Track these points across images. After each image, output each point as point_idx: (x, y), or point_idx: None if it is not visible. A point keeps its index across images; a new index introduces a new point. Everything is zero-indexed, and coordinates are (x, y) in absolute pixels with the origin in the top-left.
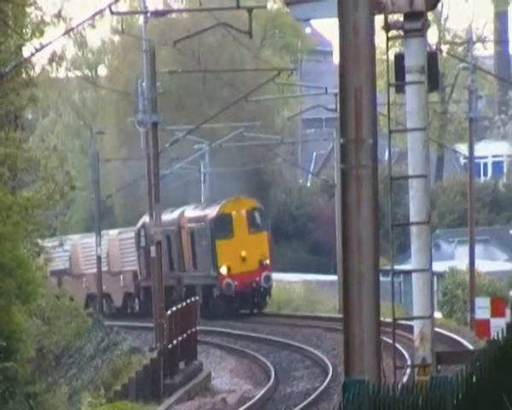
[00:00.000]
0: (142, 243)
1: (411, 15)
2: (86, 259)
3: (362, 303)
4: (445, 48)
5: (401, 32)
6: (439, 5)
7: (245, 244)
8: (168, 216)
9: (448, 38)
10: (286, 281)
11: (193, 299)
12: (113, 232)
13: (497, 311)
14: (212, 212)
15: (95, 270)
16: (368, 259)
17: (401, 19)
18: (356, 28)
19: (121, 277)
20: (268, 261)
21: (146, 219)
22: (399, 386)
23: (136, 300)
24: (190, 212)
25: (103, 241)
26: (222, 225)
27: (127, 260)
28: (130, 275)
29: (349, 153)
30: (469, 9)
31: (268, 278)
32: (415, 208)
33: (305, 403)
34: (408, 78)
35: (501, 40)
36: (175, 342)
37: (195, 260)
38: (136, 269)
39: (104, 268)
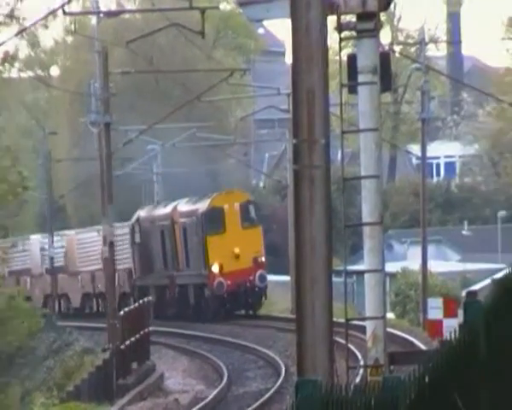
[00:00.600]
0: (137, 240)
1: (364, 16)
2: (82, 256)
3: (314, 304)
4: (397, 48)
5: (354, 33)
6: (392, 6)
7: (238, 240)
8: (161, 210)
9: (401, 38)
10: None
11: (146, 299)
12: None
13: (449, 311)
14: (203, 205)
15: (92, 267)
16: (320, 259)
17: (354, 19)
18: (308, 29)
19: (116, 275)
20: (263, 259)
21: (141, 213)
22: (352, 386)
23: (132, 300)
24: (183, 205)
25: (97, 237)
26: (213, 220)
27: (122, 257)
28: (125, 274)
29: (302, 153)
30: (422, 10)
31: (263, 277)
32: (367, 209)
33: (257, 404)
34: (360, 78)
35: (453, 41)
36: (128, 342)
37: (188, 258)
38: (131, 267)
39: (98, 266)
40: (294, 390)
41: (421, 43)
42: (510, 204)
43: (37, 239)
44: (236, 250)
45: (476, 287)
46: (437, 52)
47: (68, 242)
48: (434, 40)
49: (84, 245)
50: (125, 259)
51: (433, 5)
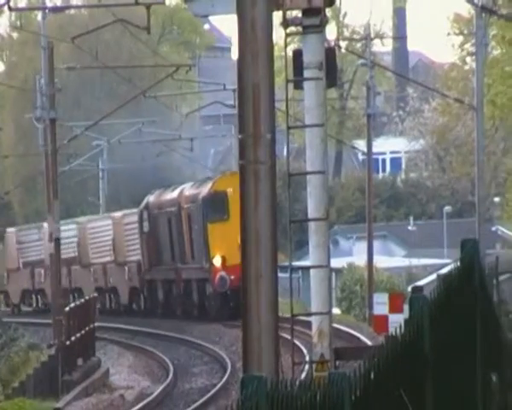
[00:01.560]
0: (145, 228)
1: (309, 12)
2: (94, 246)
3: (260, 299)
4: (343, 44)
5: (299, 29)
6: (338, 1)
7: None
8: (169, 195)
9: (346, 34)
10: None
11: (91, 295)
12: (117, 215)
13: (394, 307)
14: (204, 189)
15: (104, 259)
16: (266, 255)
17: (299, 15)
18: (254, 24)
19: (126, 268)
20: None
21: (150, 198)
22: (297, 382)
23: (142, 296)
24: (189, 189)
25: (108, 225)
26: (215, 206)
27: (131, 248)
28: (135, 267)
29: (247, 149)
30: (367, 6)
31: None
32: (313, 205)
33: (203, 399)
34: (306, 74)
35: (399, 36)
36: (73, 338)
37: (193, 249)
38: (140, 259)
39: (109, 258)
40: (240, 386)
41: (367, 38)
42: (456, 199)
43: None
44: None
45: (422, 282)
46: (382, 47)
47: (80, 230)
48: (380, 36)
49: (95, 234)
50: (135, 250)
51: (378, 1)
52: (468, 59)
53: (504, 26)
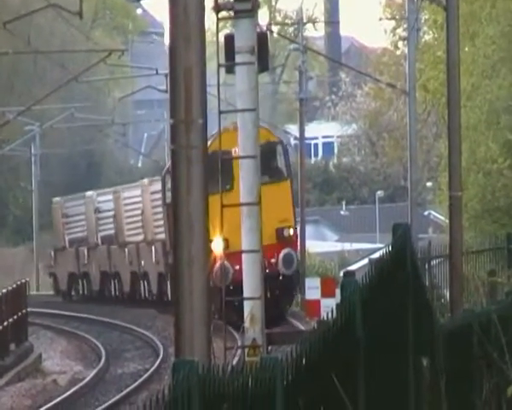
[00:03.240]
0: (168, 199)
1: None
2: (128, 221)
3: (192, 284)
4: (275, 29)
5: (231, 13)
6: None
7: None
8: None
9: (279, 18)
10: None
11: (23, 280)
12: (145, 181)
13: (327, 291)
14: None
15: (137, 238)
16: (198, 240)
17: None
18: (186, 8)
19: (153, 249)
20: (292, 231)
21: None
22: (229, 367)
23: (167, 284)
24: None
25: (138, 195)
26: (214, 171)
27: (158, 224)
28: (161, 247)
29: (179, 133)
30: None
31: (289, 260)
32: (245, 189)
33: (136, 384)
34: (238, 59)
35: (331, 21)
36: (5, 323)
37: None
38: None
39: (140, 237)
40: (172, 371)
41: (299, 23)
42: (388, 184)
43: (91, 197)
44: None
45: (354, 267)
46: (315, 32)
47: (116, 201)
48: (312, 20)
49: (128, 206)
50: (161, 226)
51: None
52: (400, 44)
53: (436, 11)
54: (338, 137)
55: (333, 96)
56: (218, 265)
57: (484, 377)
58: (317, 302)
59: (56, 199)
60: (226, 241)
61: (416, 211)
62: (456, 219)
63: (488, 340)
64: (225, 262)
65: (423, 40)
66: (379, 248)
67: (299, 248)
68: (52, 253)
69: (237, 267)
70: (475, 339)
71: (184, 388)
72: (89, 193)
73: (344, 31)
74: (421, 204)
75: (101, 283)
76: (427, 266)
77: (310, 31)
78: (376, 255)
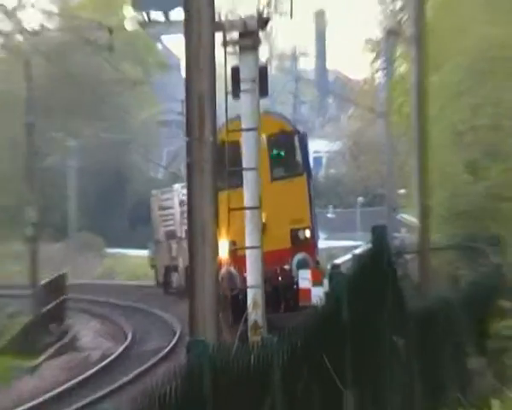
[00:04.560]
0: None
1: (245, 34)
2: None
3: (204, 277)
4: (273, 61)
5: (237, 48)
6: (269, 26)
7: (265, 200)
8: None
9: (277, 53)
10: (136, 257)
11: (61, 273)
12: (176, 187)
13: (316, 281)
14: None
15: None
16: (209, 240)
17: (237, 36)
18: (199, 43)
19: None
20: (308, 233)
21: None
22: (235, 346)
23: None
24: None
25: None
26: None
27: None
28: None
29: (193, 149)
30: (294, 30)
31: (304, 263)
32: (248, 196)
33: (156, 359)
34: (243, 86)
35: (319, 56)
36: (48, 307)
37: None
38: None
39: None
40: (186, 349)
41: (294, 57)
42: (367, 192)
43: (177, 190)
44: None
45: (339, 260)
46: (307, 65)
47: (174, 197)
48: (305, 55)
49: (184, 202)
50: None
51: (303, 26)
52: (378, 74)
53: (407, 46)
54: (326, 152)
55: (321, 118)
56: (223, 270)
57: (447, 352)
58: (309, 291)
59: (154, 191)
60: (233, 244)
61: (391, 214)
62: (425, 220)
63: (451, 321)
64: (232, 269)
65: (398, 71)
66: (360, 245)
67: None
68: (153, 245)
69: (246, 274)
70: (440, 320)
71: (198, 364)
72: (176, 185)
73: (330, 65)
74: (395, 208)
75: (185, 278)
76: (400, 260)
77: (303, 63)
78: (358, 251)
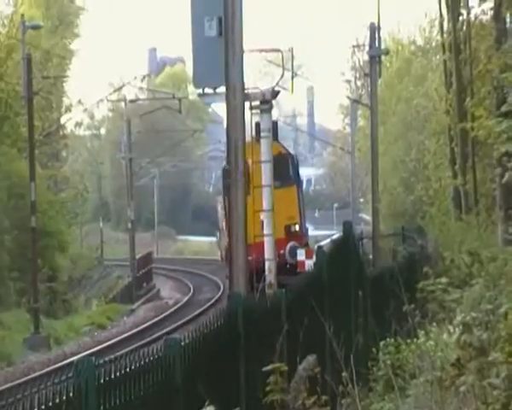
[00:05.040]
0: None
1: (264, 102)
2: None
3: (238, 253)
4: (281, 118)
5: (258, 111)
6: (278, 96)
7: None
8: None
9: (283, 113)
10: (196, 241)
11: (149, 251)
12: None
13: (309, 256)
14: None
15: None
16: (241, 233)
17: (258, 103)
18: (235, 109)
19: None
20: (297, 227)
21: None
22: (258, 296)
23: None
24: None
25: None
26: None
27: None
28: None
29: (231, 173)
30: (294, 98)
31: (294, 251)
32: (265, 202)
33: (208, 304)
34: (262, 134)
35: (310, 114)
36: (141, 272)
37: None
38: None
39: None
40: (228, 299)
41: (294, 115)
42: (340, 200)
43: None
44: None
45: (322, 243)
46: (302, 120)
47: None
48: (300, 114)
49: None
50: None
51: (299, 96)
52: (347, 127)
53: (365, 109)
54: (314, 175)
55: (310, 154)
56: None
57: (390, 301)
58: (304, 262)
59: (217, 196)
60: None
61: (355, 214)
62: (376, 217)
63: (393, 281)
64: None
65: (359, 124)
66: (335, 233)
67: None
68: (217, 233)
69: (254, 256)
70: (386, 280)
71: (235, 307)
72: (219, 196)
73: (317, 120)
74: (357, 210)
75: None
76: (360, 242)
77: (299, 119)
78: (334, 237)
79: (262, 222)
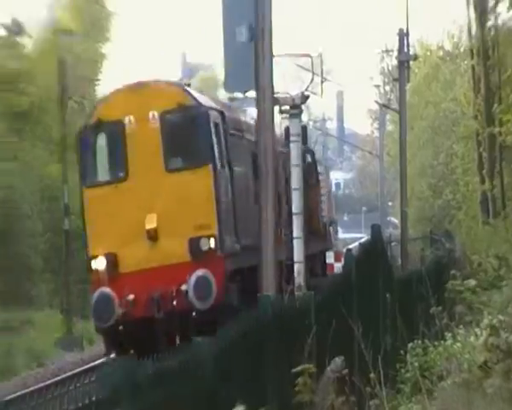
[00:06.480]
0: None
1: (293, 107)
2: None
3: (267, 257)
4: (310, 122)
5: (287, 115)
6: (308, 100)
7: (156, 198)
8: None
9: (312, 117)
10: None
11: None
12: None
13: (337, 259)
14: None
15: None
16: (271, 232)
17: (288, 107)
18: (265, 113)
19: None
20: (213, 243)
21: None
22: (287, 298)
23: None
24: None
25: None
26: (99, 153)
27: None
28: None
29: (264, 175)
30: (324, 102)
31: (207, 287)
32: (295, 204)
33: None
34: (291, 138)
35: (339, 118)
36: None
37: None
38: None
39: None
40: (258, 300)
41: (323, 119)
42: (369, 203)
43: None
44: (151, 222)
45: (351, 246)
46: (331, 124)
47: None
48: (329, 118)
49: None
50: None
51: (330, 100)
52: (376, 131)
53: (394, 114)
54: (343, 179)
55: (340, 158)
56: (96, 293)
57: (418, 304)
58: (332, 265)
59: None
60: (114, 257)
61: (383, 218)
62: (404, 221)
63: (420, 284)
64: (106, 290)
65: (388, 129)
66: (364, 236)
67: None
68: None
69: (131, 297)
70: (414, 283)
71: (264, 308)
72: None
73: (346, 124)
74: (386, 214)
75: None
76: (389, 246)
77: (329, 124)
78: (362, 240)
79: (150, 232)
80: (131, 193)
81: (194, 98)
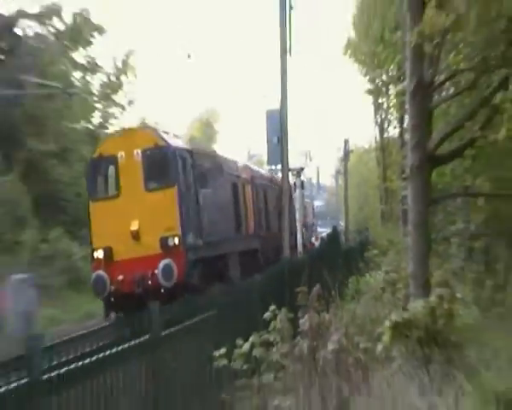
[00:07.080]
0: None
1: (297, 171)
2: None
3: (285, 243)
4: (305, 178)
5: (294, 174)
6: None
7: (138, 209)
8: None
9: (306, 176)
10: None
11: None
12: None
13: (316, 240)
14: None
15: None
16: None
17: (296, 172)
18: (284, 177)
19: None
20: (177, 240)
21: None
22: (299, 255)
23: None
24: None
25: None
26: (100, 177)
27: None
28: None
29: (283, 195)
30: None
31: (168, 272)
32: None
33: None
34: (296, 188)
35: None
36: None
37: None
38: None
39: None
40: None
41: (310, 178)
42: (332, 215)
43: None
44: (134, 225)
45: (323, 234)
46: (315, 178)
47: None
48: (302, 168)
49: None
50: None
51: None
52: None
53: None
54: (320, 204)
55: (318, 194)
56: (95, 274)
57: (353, 261)
58: (314, 243)
59: None
60: (109, 250)
61: (337, 222)
62: (347, 224)
63: (355, 252)
64: (102, 272)
65: (338, 187)
66: (329, 230)
67: None
68: None
69: (121, 277)
70: (351, 252)
71: (283, 262)
72: None
73: (321, 179)
74: (339, 220)
75: None
76: (340, 235)
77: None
78: (328, 232)
79: (134, 233)
80: (122, 206)
81: (166, 141)
